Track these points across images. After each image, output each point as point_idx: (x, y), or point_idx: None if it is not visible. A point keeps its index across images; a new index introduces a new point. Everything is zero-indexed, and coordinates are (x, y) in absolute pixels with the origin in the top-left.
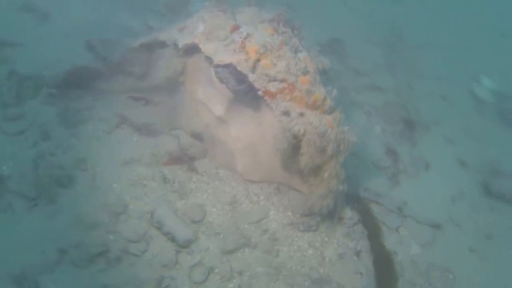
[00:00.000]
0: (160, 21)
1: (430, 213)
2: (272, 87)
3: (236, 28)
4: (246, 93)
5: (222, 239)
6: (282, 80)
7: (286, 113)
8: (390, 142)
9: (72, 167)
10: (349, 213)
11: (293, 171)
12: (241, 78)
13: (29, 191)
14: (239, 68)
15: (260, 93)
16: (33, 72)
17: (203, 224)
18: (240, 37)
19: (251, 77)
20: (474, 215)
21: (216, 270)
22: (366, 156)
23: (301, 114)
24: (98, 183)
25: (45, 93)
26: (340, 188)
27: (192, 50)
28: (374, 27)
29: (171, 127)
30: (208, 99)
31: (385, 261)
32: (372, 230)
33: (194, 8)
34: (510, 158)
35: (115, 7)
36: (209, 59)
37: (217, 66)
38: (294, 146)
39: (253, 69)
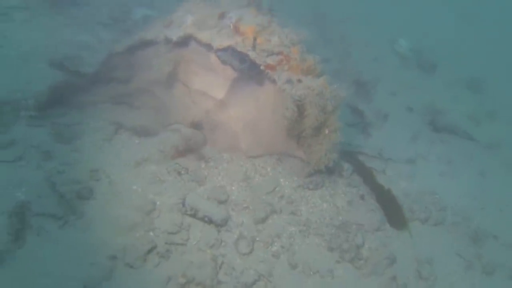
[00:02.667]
0: (109, 32)
1: (402, 153)
2: (271, 60)
3: (222, 15)
4: (250, 70)
5: (251, 212)
6: (279, 53)
7: (289, 81)
8: (351, 103)
9: (87, 179)
10: (345, 165)
11: (291, 140)
12: (242, 58)
13: (55, 210)
14: (239, 49)
15: (262, 67)
16: (6, 98)
17: (229, 202)
18: (231, 22)
19: (252, 54)
20: (432, 148)
21: (258, 239)
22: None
23: (299, 81)
24: (118, 188)
25: (25, 116)
26: (342, 140)
27: (182, 43)
28: (300, 9)
29: (168, 123)
30: (207, 86)
31: (387, 197)
32: (366, 175)
33: (136, 15)
34: (439, 98)
35: (62, 26)
36: (206, 47)
37: (218, 50)
38: (299, 110)
39: (253, 47)
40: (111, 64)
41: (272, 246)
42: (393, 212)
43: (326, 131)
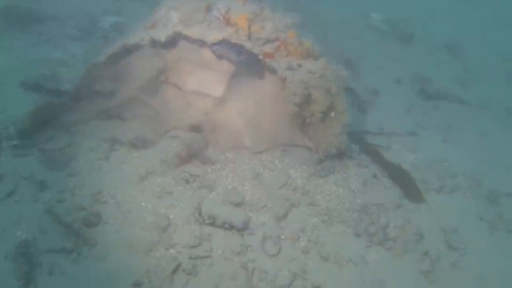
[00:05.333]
0: (80, 45)
1: (401, 126)
2: (268, 48)
3: (209, 7)
4: (248, 61)
5: (270, 209)
6: (275, 39)
7: (289, 67)
8: None
9: (92, 204)
10: (352, 147)
11: (294, 130)
12: (238, 49)
13: (64, 243)
14: (233, 41)
15: (260, 57)
16: None
17: (245, 204)
18: (220, 13)
19: (248, 45)
20: (428, 116)
21: (283, 237)
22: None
23: (299, 65)
24: (127, 208)
25: (8, 146)
26: (350, 121)
27: (170, 43)
28: None
29: (165, 131)
30: (202, 84)
31: (399, 172)
32: (373, 153)
33: (105, 24)
34: (422, 66)
35: (29, 46)
36: (197, 43)
37: (212, 45)
38: (305, 97)
39: (249, 36)
40: (93, 77)
41: (299, 241)
42: (408, 186)
43: (332, 114)
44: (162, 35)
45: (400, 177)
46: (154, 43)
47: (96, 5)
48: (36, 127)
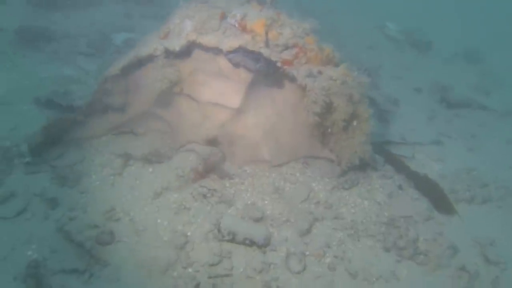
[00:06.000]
0: (93, 62)
1: (424, 135)
2: (287, 55)
3: (224, 15)
4: (266, 69)
5: (293, 224)
6: (294, 45)
7: (309, 75)
8: None
9: (105, 222)
10: (376, 157)
11: (314, 141)
12: (255, 57)
13: (75, 264)
14: (249, 48)
15: (279, 64)
16: None
17: (266, 219)
18: (235, 20)
19: (265, 52)
20: (450, 124)
21: (307, 253)
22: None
23: (320, 72)
24: (142, 226)
25: (20, 164)
26: (373, 129)
27: (183, 53)
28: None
29: (180, 145)
30: (218, 95)
31: (426, 182)
32: (398, 164)
33: (117, 41)
34: (441, 75)
35: (42, 63)
36: (213, 51)
37: (228, 53)
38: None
39: (266, 43)
40: (106, 90)
41: (325, 257)
42: (437, 197)
43: (355, 123)
44: (176, 44)
45: (428, 188)
46: (168, 53)
47: (109, 22)
48: (48, 143)
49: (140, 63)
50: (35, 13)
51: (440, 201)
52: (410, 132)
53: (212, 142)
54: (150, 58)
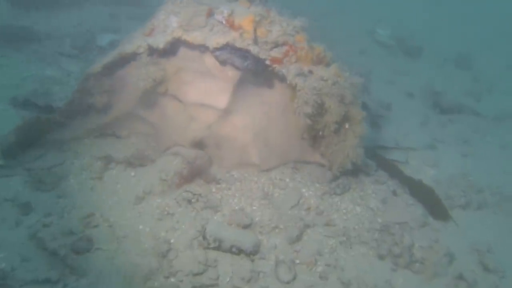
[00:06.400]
0: (76, 63)
1: (417, 140)
2: (276, 53)
3: (211, 11)
4: (254, 67)
5: (282, 231)
6: (284, 43)
7: (299, 74)
8: None
9: (82, 228)
10: (369, 162)
11: (304, 145)
12: (243, 54)
13: (48, 274)
14: (237, 45)
15: (267, 62)
16: None
17: (254, 225)
18: (223, 17)
19: (254, 49)
20: (444, 129)
21: (297, 261)
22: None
23: (310, 72)
24: (122, 232)
25: None
26: (367, 132)
27: (169, 51)
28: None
29: (165, 148)
30: (205, 95)
31: (421, 188)
32: (391, 169)
33: (102, 42)
34: (433, 80)
35: (22, 63)
36: (199, 49)
37: (215, 50)
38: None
39: (254, 40)
40: (87, 89)
41: (316, 266)
42: (433, 203)
43: (347, 125)
44: (160, 41)
45: (422, 194)
46: (152, 51)
47: (94, 24)
48: (23, 145)
49: (124, 61)
50: (16, 13)
51: (435, 207)
52: (403, 137)
53: (199, 144)
54: (134, 56)
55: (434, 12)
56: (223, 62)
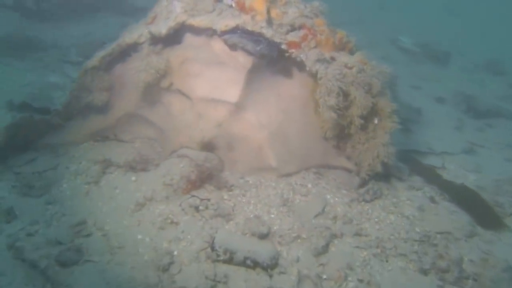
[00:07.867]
0: (79, 69)
1: (453, 145)
2: (293, 37)
3: None
4: (270, 52)
5: (305, 241)
6: (301, 26)
7: (320, 60)
8: None
9: (71, 237)
10: (401, 166)
11: (328, 146)
12: (255, 38)
13: None
14: (249, 28)
15: (283, 46)
16: None
17: (272, 235)
18: (232, 0)
19: (267, 32)
20: (482, 134)
21: (324, 276)
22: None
23: (332, 58)
24: (117, 242)
25: None
26: (399, 127)
27: (173, 39)
28: None
29: (171, 150)
30: (214, 88)
31: (465, 193)
32: (427, 174)
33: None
34: (463, 85)
35: (24, 71)
36: (206, 33)
37: (223, 33)
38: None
39: (268, 22)
40: (85, 87)
41: (346, 281)
42: (480, 210)
43: (376, 121)
44: (162, 27)
45: (467, 200)
46: (154, 40)
47: (102, 34)
48: (14, 147)
49: (124, 53)
50: (25, 23)
51: (484, 214)
52: (437, 142)
53: (208, 146)
54: (135, 47)
55: (458, 19)
56: (233, 47)
